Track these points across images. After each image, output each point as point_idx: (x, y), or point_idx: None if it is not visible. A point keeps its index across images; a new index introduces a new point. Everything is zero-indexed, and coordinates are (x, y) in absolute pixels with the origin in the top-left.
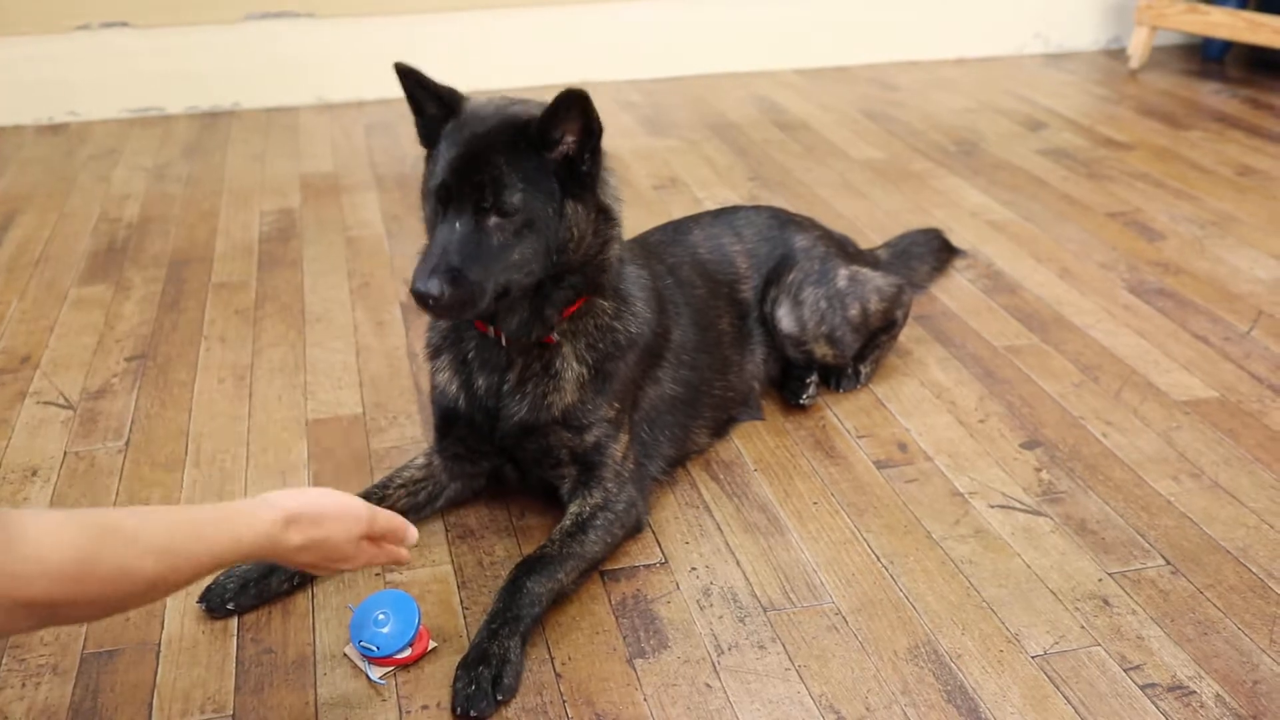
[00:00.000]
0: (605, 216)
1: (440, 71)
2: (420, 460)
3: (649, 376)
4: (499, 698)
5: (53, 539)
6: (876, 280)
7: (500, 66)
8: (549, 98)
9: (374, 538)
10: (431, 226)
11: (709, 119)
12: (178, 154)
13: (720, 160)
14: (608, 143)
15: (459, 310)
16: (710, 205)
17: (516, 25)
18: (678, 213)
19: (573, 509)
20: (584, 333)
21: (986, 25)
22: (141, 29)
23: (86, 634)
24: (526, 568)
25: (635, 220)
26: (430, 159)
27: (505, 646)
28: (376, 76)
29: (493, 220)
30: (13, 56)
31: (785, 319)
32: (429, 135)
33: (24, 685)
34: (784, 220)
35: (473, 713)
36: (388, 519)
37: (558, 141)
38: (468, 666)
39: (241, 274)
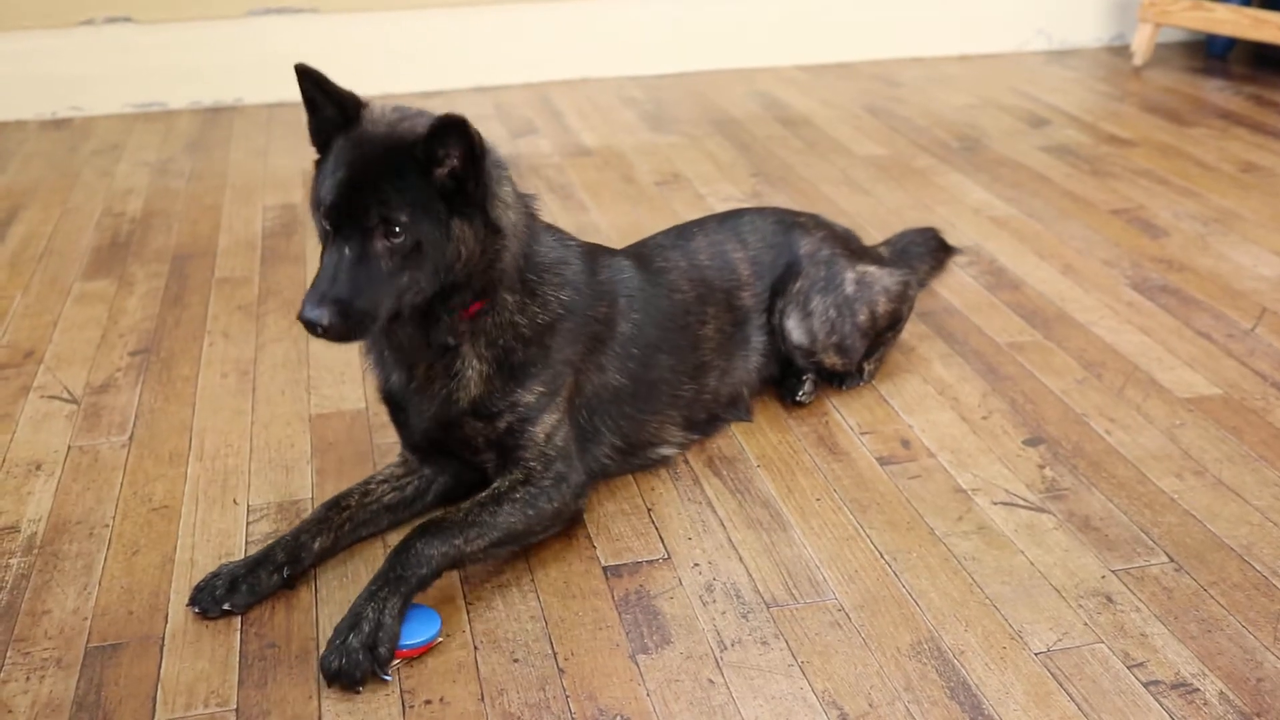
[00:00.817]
0: (494, 231)
1: (443, 67)
2: (398, 457)
3: (590, 362)
4: (375, 669)
5: None
6: (884, 280)
7: (501, 62)
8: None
9: None
10: (322, 241)
11: (711, 115)
12: (181, 149)
13: (723, 156)
14: (609, 139)
15: (348, 337)
16: (712, 201)
17: (518, 21)
18: (680, 209)
19: (494, 484)
20: (483, 331)
21: (990, 22)
22: (145, 24)
23: (90, 628)
24: (422, 529)
25: (637, 217)
26: (320, 166)
27: (381, 609)
28: (379, 72)
29: (379, 244)
30: (16, 51)
31: (795, 331)
32: (322, 138)
33: (28, 679)
34: (789, 224)
35: (343, 683)
36: None
37: (443, 159)
38: (340, 633)
39: (244, 269)
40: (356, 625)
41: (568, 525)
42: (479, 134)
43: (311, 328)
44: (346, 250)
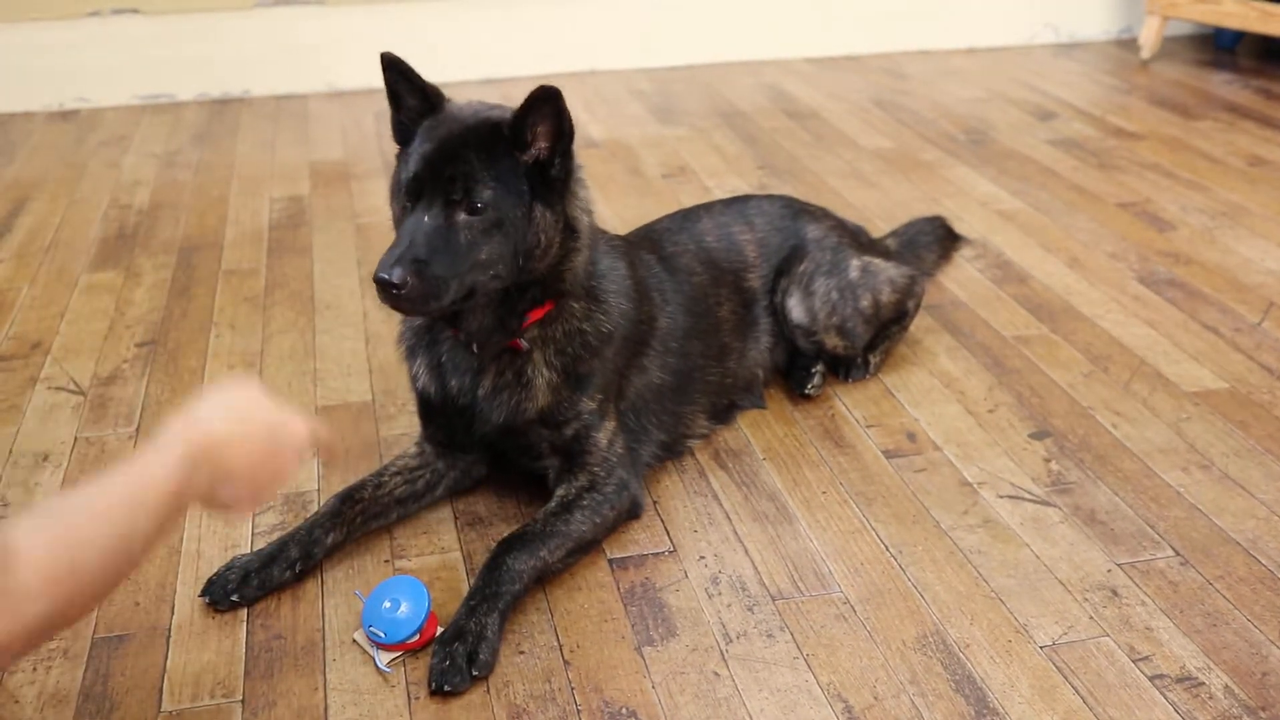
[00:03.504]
0: (571, 230)
1: (451, 59)
2: (413, 449)
3: (634, 366)
4: (474, 674)
5: (35, 565)
6: (889, 271)
7: (510, 54)
8: (524, 91)
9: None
10: (399, 223)
11: (719, 107)
12: (188, 141)
13: (730, 149)
14: (616, 131)
15: (421, 303)
16: (720, 194)
17: (527, 13)
18: (686, 201)
19: (559, 491)
20: (553, 339)
21: (997, 15)
22: (152, 15)
23: (97, 619)
24: (507, 545)
25: (644, 208)
26: (402, 157)
27: (482, 623)
28: None
29: (462, 216)
30: (23, 43)
31: (796, 309)
32: (404, 132)
33: (35, 669)
34: (797, 210)
35: (446, 688)
36: (295, 418)
37: (530, 142)
38: (444, 643)
39: (251, 261)
40: (460, 637)
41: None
42: (569, 112)
43: (385, 288)
44: (427, 218)
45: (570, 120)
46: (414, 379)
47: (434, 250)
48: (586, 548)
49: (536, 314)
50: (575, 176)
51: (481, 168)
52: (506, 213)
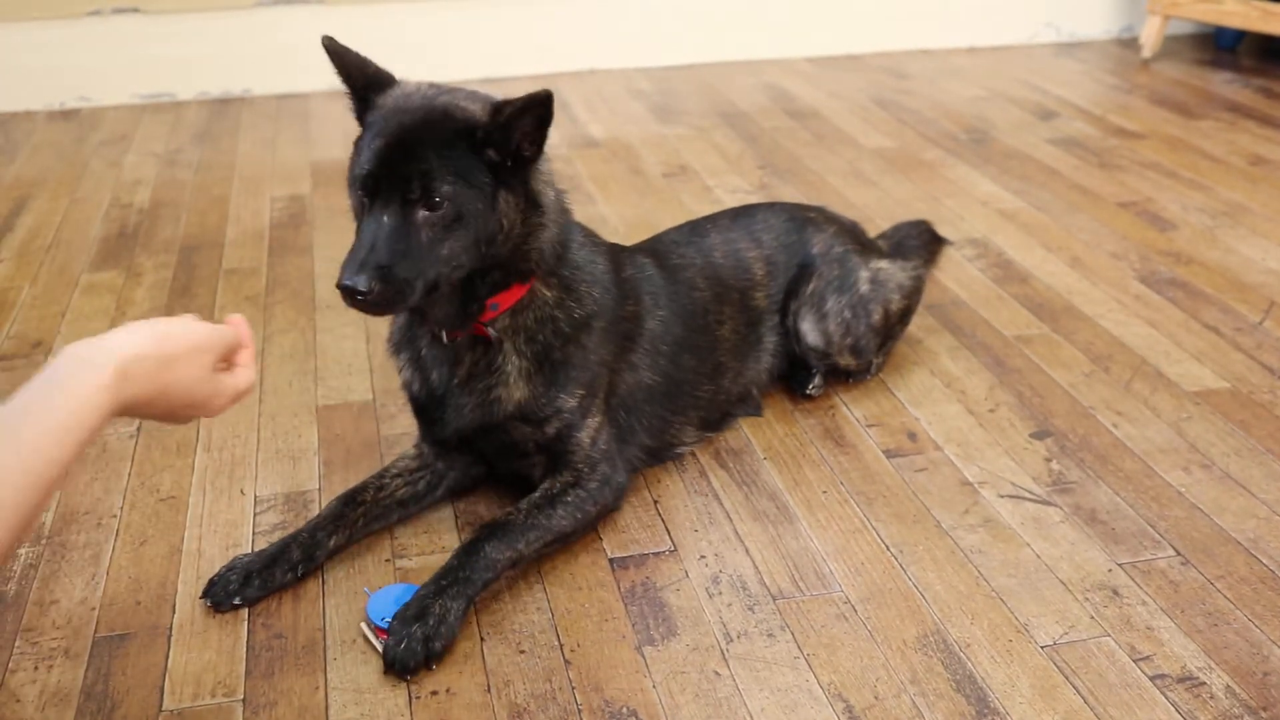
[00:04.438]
0: (534, 205)
1: (450, 58)
2: (412, 450)
3: (623, 361)
4: (429, 663)
5: None
6: (897, 275)
7: (510, 53)
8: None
9: (228, 361)
10: (358, 216)
11: (719, 107)
12: (189, 140)
13: (730, 148)
14: (617, 130)
15: (387, 306)
16: (720, 193)
17: (527, 12)
18: (687, 200)
19: (544, 484)
20: (523, 327)
21: (998, 14)
22: (153, 14)
23: (98, 618)
24: (488, 532)
25: (645, 209)
26: (357, 145)
27: (447, 607)
28: (387, 64)
29: (421, 214)
30: (24, 42)
31: (811, 333)
32: (359, 112)
33: (36, 668)
34: (801, 221)
35: (399, 669)
36: (230, 333)
37: (515, 141)
38: (405, 621)
39: (252, 260)
40: (421, 617)
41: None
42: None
43: (350, 295)
44: (385, 218)
45: (552, 114)
46: (400, 375)
47: (396, 254)
48: (565, 539)
49: (507, 302)
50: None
51: (440, 164)
52: (467, 206)
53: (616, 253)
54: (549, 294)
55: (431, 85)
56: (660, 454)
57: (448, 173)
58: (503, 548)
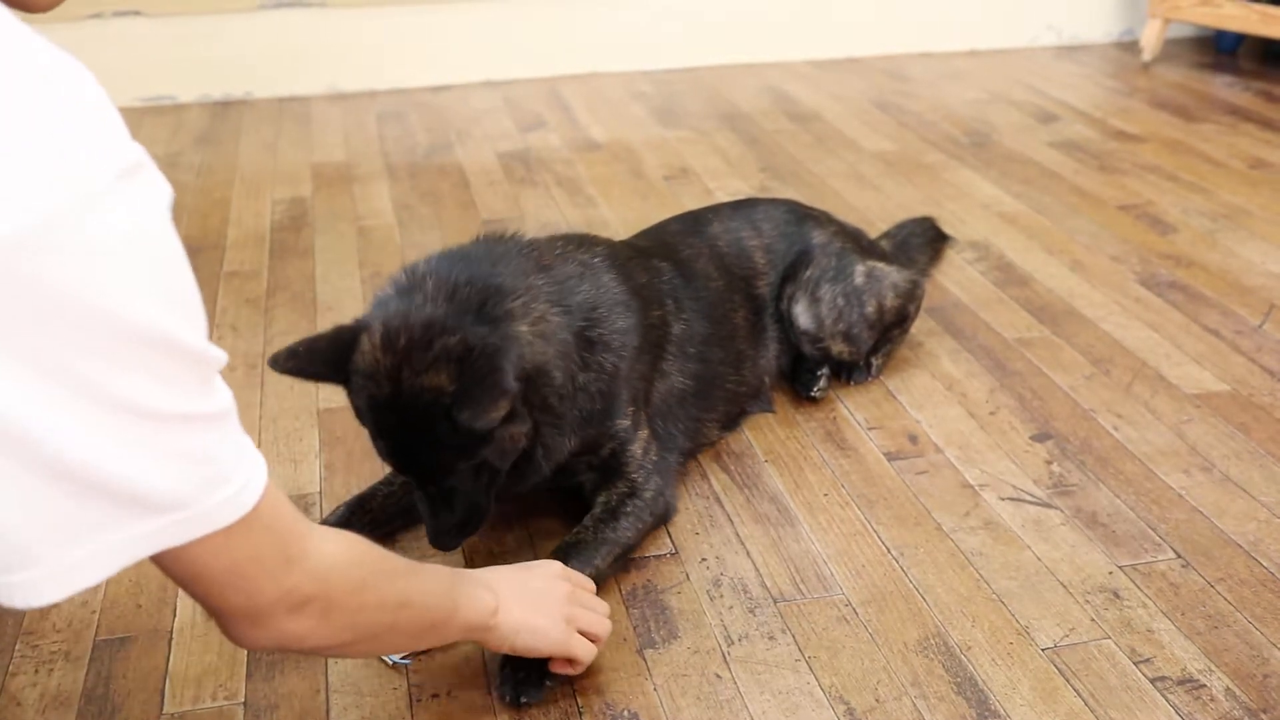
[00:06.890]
0: (525, 405)
1: (452, 60)
2: None
3: (656, 371)
4: (548, 683)
5: (335, 561)
6: (893, 276)
7: (510, 56)
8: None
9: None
10: (374, 439)
11: (721, 109)
12: (190, 143)
13: (732, 151)
14: (618, 133)
15: (479, 527)
16: (721, 196)
17: (528, 15)
18: (688, 203)
19: (601, 498)
20: (550, 410)
21: (999, 17)
22: (154, 17)
23: (99, 621)
24: (564, 555)
25: (646, 210)
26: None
27: None
28: (389, 67)
29: (451, 481)
30: None
31: (803, 316)
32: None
33: (37, 671)
34: (801, 215)
35: (524, 700)
36: (580, 579)
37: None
38: (511, 659)
39: (253, 263)
40: None
41: None
42: (504, 368)
43: (447, 550)
44: (426, 494)
45: (509, 377)
46: None
47: (453, 511)
48: (630, 551)
49: None
50: (519, 320)
51: (436, 456)
52: (480, 460)
53: (624, 260)
54: (581, 377)
55: (386, 348)
56: (693, 454)
57: (447, 458)
58: (584, 567)
